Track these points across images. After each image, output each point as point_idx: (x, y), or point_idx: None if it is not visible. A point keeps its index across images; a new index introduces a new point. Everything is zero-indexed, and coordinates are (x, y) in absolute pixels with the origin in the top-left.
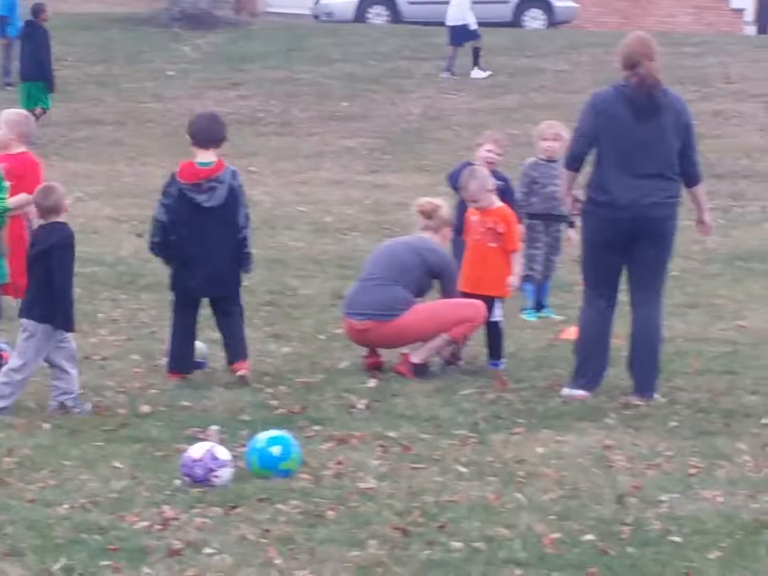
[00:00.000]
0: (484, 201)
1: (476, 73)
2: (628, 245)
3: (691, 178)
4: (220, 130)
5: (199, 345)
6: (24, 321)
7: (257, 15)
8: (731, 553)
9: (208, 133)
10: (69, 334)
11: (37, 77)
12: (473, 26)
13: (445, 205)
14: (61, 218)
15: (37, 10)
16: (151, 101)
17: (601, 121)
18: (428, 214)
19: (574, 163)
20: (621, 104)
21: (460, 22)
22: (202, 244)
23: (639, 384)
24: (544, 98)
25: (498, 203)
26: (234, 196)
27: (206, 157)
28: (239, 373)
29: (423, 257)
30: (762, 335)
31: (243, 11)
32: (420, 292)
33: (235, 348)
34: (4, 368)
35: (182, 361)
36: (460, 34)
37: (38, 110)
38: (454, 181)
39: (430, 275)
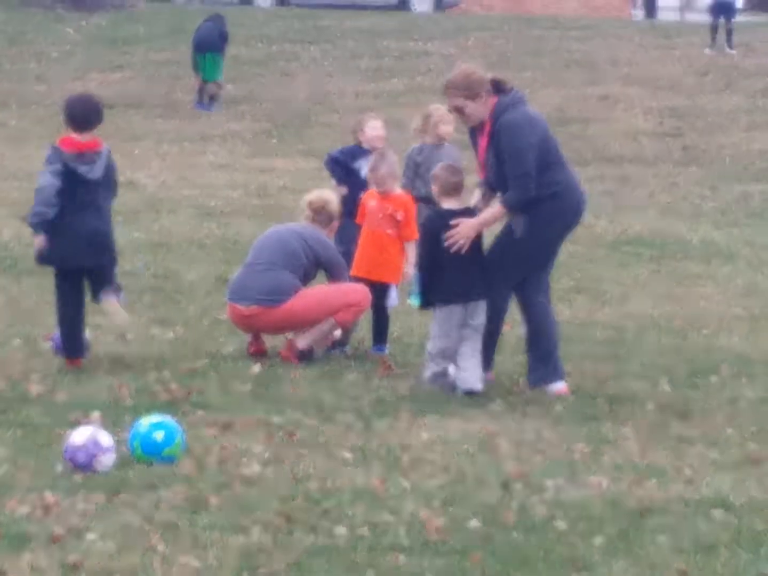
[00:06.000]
0: (388, 186)
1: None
2: None
3: None
4: (95, 114)
5: None
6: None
7: None
8: (616, 538)
9: (82, 118)
10: None
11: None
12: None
13: (334, 198)
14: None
15: None
16: (35, 83)
17: (539, 128)
18: (318, 210)
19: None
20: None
21: None
22: (83, 215)
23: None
24: (431, 82)
25: (398, 190)
26: (111, 171)
27: (83, 137)
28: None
29: (311, 247)
30: (647, 320)
31: None
32: (306, 279)
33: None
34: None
35: (76, 344)
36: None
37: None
38: (334, 165)
39: (317, 265)
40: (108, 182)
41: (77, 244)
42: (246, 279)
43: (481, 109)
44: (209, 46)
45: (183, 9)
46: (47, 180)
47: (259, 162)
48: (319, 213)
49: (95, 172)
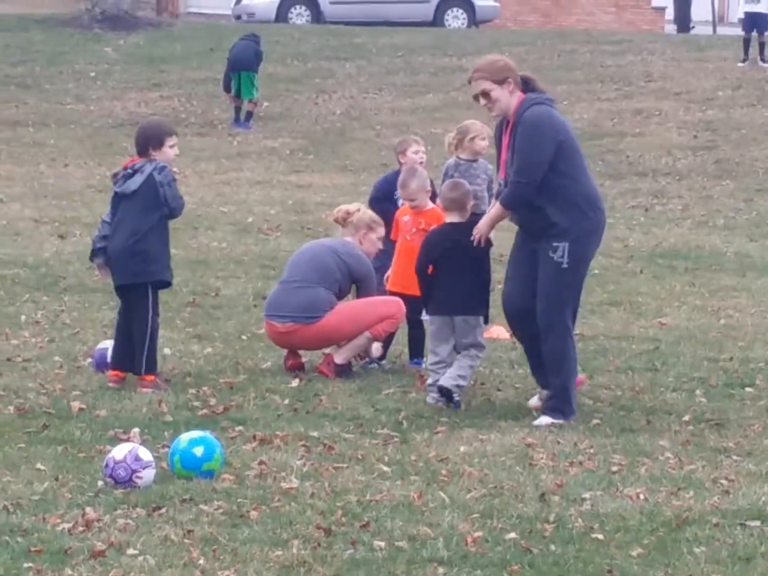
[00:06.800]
0: (420, 201)
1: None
2: None
3: None
4: (141, 141)
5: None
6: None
7: (178, 16)
8: (653, 550)
9: (135, 144)
10: None
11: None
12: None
13: (360, 209)
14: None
15: None
16: (73, 102)
17: (562, 133)
18: (341, 222)
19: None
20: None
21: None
22: (117, 231)
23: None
24: (466, 97)
25: (430, 204)
26: (152, 187)
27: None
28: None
29: (344, 261)
30: (683, 332)
31: (164, 12)
32: (341, 294)
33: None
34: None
35: (123, 356)
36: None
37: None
38: (376, 205)
39: (350, 280)
40: (148, 197)
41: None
42: (282, 296)
43: (507, 96)
44: (244, 64)
45: (220, 27)
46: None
47: (295, 178)
48: (345, 224)
49: (126, 186)
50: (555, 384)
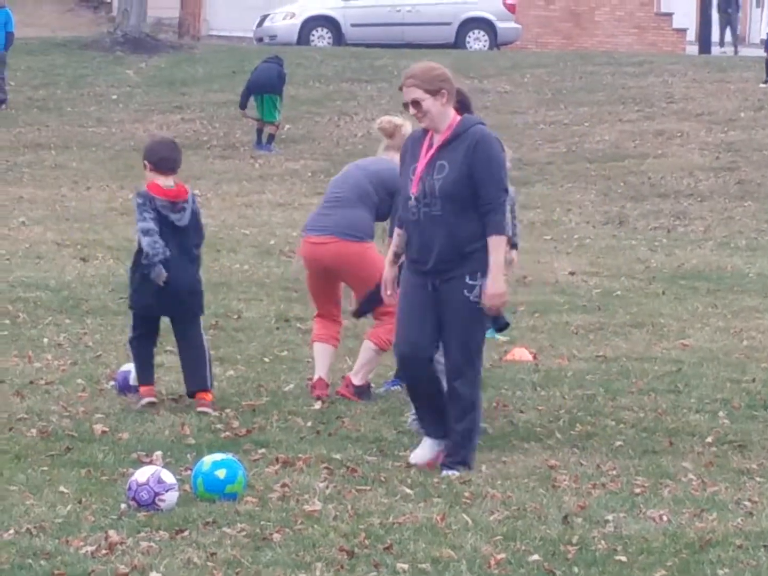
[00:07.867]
0: None
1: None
2: None
3: None
4: (180, 157)
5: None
6: None
7: (200, 38)
8: (677, 571)
9: (171, 161)
10: None
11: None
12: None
13: (407, 123)
14: None
15: None
16: (95, 125)
17: None
18: (389, 132)
19: None
20: None
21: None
22: (172, 263)
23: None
24: (487, 119)
25: None
26: (195, 219)
27: (167, 181)
28: (200, 408)
29: (380, 179)
30: (705, 354)
31: (186, 35)
32: (382, 215)
33: (194, 375)
34: None
35: (148, 373)
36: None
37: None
38: None
39: (390, 198)
40: (195, 227)
41: (163, 294)
42: (321, 214)
43: (439, 108)
44: (266, 87)
45: (242, 49)
46: (148, 224)
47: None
48: (392, 136)
49: (184, 219)
50: (459, 430)
